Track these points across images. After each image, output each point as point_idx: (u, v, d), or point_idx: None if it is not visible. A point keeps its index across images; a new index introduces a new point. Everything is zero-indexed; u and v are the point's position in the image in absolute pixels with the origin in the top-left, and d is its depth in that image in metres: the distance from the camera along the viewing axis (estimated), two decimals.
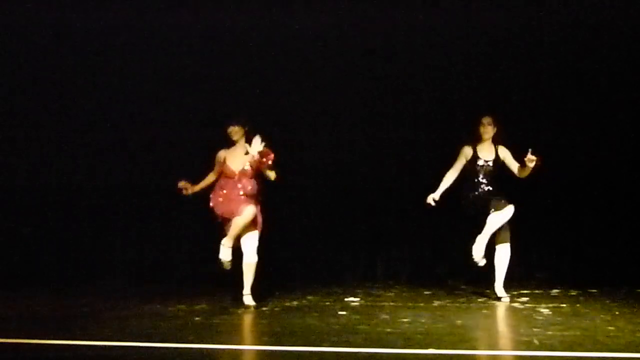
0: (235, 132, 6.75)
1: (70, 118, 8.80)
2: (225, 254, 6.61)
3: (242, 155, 6.73)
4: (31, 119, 8.78)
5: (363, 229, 8.67)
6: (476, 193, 6.86)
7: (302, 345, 5.03)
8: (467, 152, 6.97)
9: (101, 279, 8.37)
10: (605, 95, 8.31)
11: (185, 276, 8.48)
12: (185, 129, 8.67)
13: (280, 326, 5.78)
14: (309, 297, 7.19)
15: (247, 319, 6.15)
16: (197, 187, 6.88)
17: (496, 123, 6.94)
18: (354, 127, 8.67)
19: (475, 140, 6.96)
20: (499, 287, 6.85)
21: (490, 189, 6.87)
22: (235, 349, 5.06)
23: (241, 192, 6.68)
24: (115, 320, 6.01)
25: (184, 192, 6.86)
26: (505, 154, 6.92)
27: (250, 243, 6.70)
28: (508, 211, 6.65)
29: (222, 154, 6.82)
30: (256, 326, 5.82)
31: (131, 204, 8.83)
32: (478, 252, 6.68)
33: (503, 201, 6.68)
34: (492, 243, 6.81)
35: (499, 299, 6.80)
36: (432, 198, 6.90)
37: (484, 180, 6.88)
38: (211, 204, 6.75)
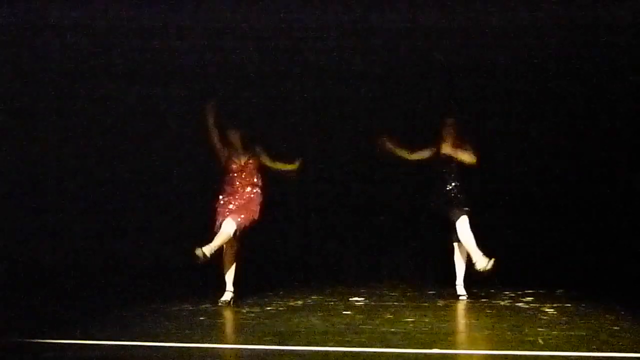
0: (236, 135, 7.07)
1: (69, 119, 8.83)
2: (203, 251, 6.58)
3: (243, 154, 7.04)
4: (31, 119, 8.80)
5: (367, 229, 8.66)
6: (444, 190, 7.11)
7: (306, 345, 5.03)
8: (432, 148, 7.28)
9: (102, 278, 8.36)
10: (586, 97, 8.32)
11: (190, 275, 8.47)
12: (185, 129, 8.70)
13: (285, 326, 5.78)
14: (313, 297, 7.19)
15: (252, 319, 6.15)
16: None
17: (458, 124, 7.23)
18: (357, 124, 8.66)
19: (441, 140, 7.22)
20: (459, 285, 7.05)
21: (457, 184, 7.10)
22: (239, 349, 5.06)
23: (240, 184, 6.91)
24: (116, 320, 6.01)
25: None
26: (465, 148, 7.14)
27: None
28: (464, 222, 6.93)
29: (227, 149, 7.09)
30: (260, 326, 5.81)
31: (134, 203, 8.83)
32: (480, 261, 6.75)
33: (457, 210, 6.95)
34: (451, 241, 7.09)
35: (457, 297, 6.92)
36: (387, 142, 7.22)
37: (449, 175, 7.13)
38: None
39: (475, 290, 7.17)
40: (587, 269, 7.94)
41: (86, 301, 7.07)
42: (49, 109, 8.84)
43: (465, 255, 7.05)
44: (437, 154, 7.24)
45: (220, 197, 6.98)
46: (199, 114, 7.02)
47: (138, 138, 8.85)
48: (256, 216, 6.92)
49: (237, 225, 6.72)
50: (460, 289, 7.04)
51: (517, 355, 4.74)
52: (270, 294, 7.31)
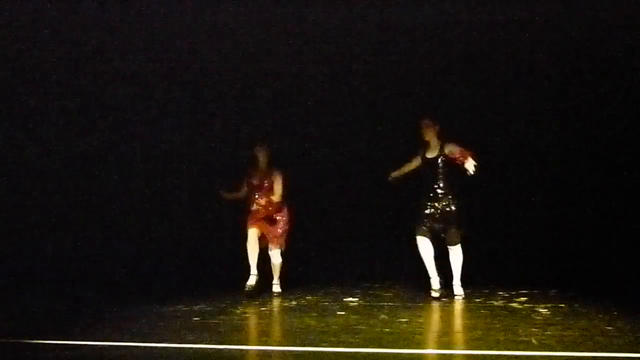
0: (263, 154, 7.52)
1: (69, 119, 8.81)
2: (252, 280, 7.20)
3: (264, 172, 7.49)
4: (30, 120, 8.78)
5: (362, 229, 8.66)
6: (430, 195, 7.06)
7: (300, 345, 5.03)
8: (419, 153, 7.26)
9: (101, 279, 8.35)
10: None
11: (184, 276, 8.47)
12: (185, 133, 8.71)
13: (279, 326, 5.78)
14: (308, 297, 7.19)
15: (246, 319, 6.15)
16: (230, 196, 7.71)
17: (435, 122, 7.15)
18: (354, 126, 8.65)
19: (424, 144, 7.21)
20: (456, 285, 7.08)
21: (441, 186, 7.03)
22: (234, 349, 5.05)
23: (259, 201, 7.36)
24: (115, 321, 6.01)
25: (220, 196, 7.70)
26: (451, 149, 7.01)
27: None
28: (457, 251, 7.06)
29: (250, 171, 7.61)
30: (255, 326, 5.82)
31: (132, 204, 8.81)
32: (435, 282, 6.98)
33: (454, 230, 7.00)
34: (443, 244, 7.12)
35: (454, 296, 6.99)
36: (392, 175, 7.33)
37: (436, 179, 7.06)
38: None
39: (469, 291, 7.19)
40: (580, 269, 7.96)
41: (85, 301, 7.06)
42: (48, 109, 8.80)
43: (460, 257, 7.07)
44: (423, 158, 7.21)
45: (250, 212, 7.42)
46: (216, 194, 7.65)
47: (138, 138, 8.82)
48: (284, 230, 7.50)
49: (280, 249, 7.50)
50: (458, 288, 7.07)
51: (511, 355, 4.75)
52: (265, 294, 7.31)
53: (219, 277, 8.17)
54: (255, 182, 7.51)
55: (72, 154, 8.83)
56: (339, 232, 8.67)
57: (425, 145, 7.23)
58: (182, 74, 8.74)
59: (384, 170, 7.44)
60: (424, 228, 7.03)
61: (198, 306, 6.66)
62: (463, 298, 6.94)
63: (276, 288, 7.55)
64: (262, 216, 7.36)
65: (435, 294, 6.94)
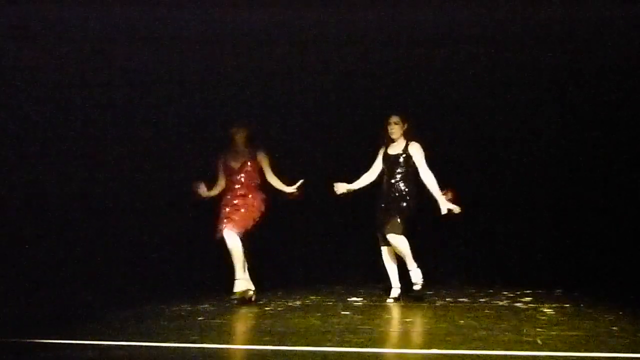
0: (241, 134, 7.02)
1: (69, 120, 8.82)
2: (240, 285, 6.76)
3: (242, 154, 7.00)
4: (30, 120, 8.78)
5: (365, 228, 8.64)
6: (386, 189, 6.88)
7: (304, 345, 5.03)
8: (380, 152, 7.05)
9: (102, 278, 8.34)
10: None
11: (187, 276, 8.47)
12: (186, 131, 8.70)
13: (283, 326, 5.77)
14: (312, 297, 7.19)
15: (250, 319, 6.15)
16: (211, 193, 7.08)
17: (404, 121, 6.95)
18: (355, 124, 8.64)
19: (387, 140, 7.01)
20: (412, 270, 6.79)
21: (401, 185, 6.84)
22: (238, 349, 5.05)
23: (238, 186, 6.89)
24: (115, 320, 6.01)
25: (198, 194, 7.05)
26: (415, 152, 6.87)
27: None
28: (401, 241, 6.73)
29: (221, 157, 7.10)
30: (259, 326, 5.81)
31: (133, 204, 8.81)
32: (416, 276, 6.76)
33: (399, 221, 6.72)
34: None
35: (412, 284, 6.78)
36: (344, 187, 7.06)
37: (394, 176, 6.87)
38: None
39: (473, 291, 7.18)
40: (585, 269, 7.94)
41: (86, 301, 7.06)
42: (49, 108, 8.82)
43: (404, 244, 6.78)
44: (384, 154, 7.00)
45: (222, 201, 6.97)
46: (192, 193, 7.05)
47: (138, 138, 8.82)
48: (256, 218, 6.90)
49: (239, 233, 6.76)
50: (414, 273, 6.80)
51: (515, 355, 4.74)
52: (269, 294, 7.30)
53: (223, 276, 8.17)
54: (234, 165, 7.01)
55: (73, 153, 8.82)
56: (342, 231, 8.66)
57: (387, 142, 7.01)
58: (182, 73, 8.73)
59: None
60: (383, 237, 6.88)
61: (202, 306, 6.66)
62: (470, 298, 6.90)
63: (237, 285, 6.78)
64: (234, 203, 6.91)
65: (390, 301, 6.84)
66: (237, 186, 6.97)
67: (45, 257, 8.58)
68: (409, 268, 6.80)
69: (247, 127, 7.07)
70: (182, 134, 8.76)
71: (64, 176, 8.83)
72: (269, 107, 8.73)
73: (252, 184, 6.99)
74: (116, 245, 8.75)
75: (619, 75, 8.20)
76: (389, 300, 6.88)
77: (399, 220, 6.75)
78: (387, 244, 6.86)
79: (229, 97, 8.59)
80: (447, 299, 6.96)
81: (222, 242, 6.82)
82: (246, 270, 6.83)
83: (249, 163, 6.99)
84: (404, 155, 6.89)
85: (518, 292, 7.17)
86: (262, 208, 6.99)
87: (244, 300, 6.74)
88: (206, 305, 6.67)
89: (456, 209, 6.70)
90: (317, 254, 8.64)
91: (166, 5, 8.24)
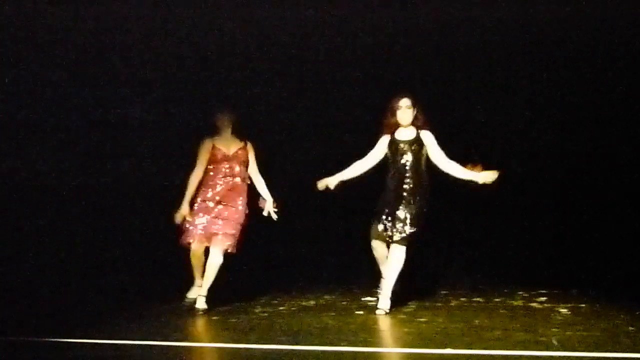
0: (226, 122, 6.48)
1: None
2: (201, 302, 6.30)
3: (232, 142, 6.48)
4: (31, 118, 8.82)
5: None
6: (394, 183, 6.16)
7: (319, 345, 5.02)
8: (385, 140, 6.28)
9: (103, 278, 8.36)
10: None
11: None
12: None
13: (297, 325, 5.77)
14: (326, 297, 7.18)
15: (264, 319, 6.15)
16: (189, 197, 6.41)
17: (416, 103, 6.22)
18: (361, 123, 8.61)
19: (393, 126, 6.26)
20: (382, 294, 6.14)
21: (412, 179, 6.15)
22: (252, 348, 5.05)
23: (228, 177, 6.37)
24: (116, 320, 6.02)
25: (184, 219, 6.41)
26: (428, 141, 6.19)
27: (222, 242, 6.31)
28: (402, 256, 6.07)
29: (208, 141, 6.48)
30: (273, 325, 5.81)
31: (134, 202, 8.82)
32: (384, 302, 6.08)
33: (407, 227, 6.07)
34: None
35: (376, 308, 6.13)
36: (324, 182, 6.32)
37: (403, 169, 6.16)
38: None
39: (488, 290, 7.14)
40: (601, 268, 7.89)
41: (86, 301, 7.07)
42: (48, 108, 8.85)
43: (401, 260, 6.18)
44: (391, 142, 6.24)
45: (200, 194, 6.36)
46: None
47: (138, 138, 8.83)
48: (241, 223, 6.36)
49: (226, 250, 6.27)
50: (383, 299, 6.19)
51: (530, 355, 4.71)
52: (283, 293, 7.31)
53: (237, 275, 8.18)
54: (225, 151, 6.38)
55: (72, 152, 8.84)
56: (357, 231, 8.65)
57: (393, 129, 6.27)
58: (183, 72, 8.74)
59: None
60: (379, 231, 6.19)
61: (216, 305, 6.67)
62: (484, 298, 6.87)
63: (200, 302, 6.26)
64: (216, 203, 6.30)
65: (380, 312, 6.10)
66: (226, 178, 6.40)
67: (45, 258, 8.61)
68: (383, 288, 6.15)
69: (236, 114, 6.54)
70: (185, 133, 8.75)
71: (63, 174, 8.85)
72: (269, 103, 8.71)
73: (244, 177, 6.47)
74: (118, 245, 8.77)
75: (619, 75, 8.15)
76: (379, 312, 6.11)
77: (408, 226, 6.12)
78: (384, 242, 6.23)
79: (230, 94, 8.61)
80: (461, 299, 6.93)
81: (193, 249, 6.35)
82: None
83: (240, 152, 6.46)
84: (415, 144, 6.20)
85: (533, 292, 7.13)
86: (245, 212, 6.45)
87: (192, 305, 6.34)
88: (220, 305, 6.67)
89: (490, 176, 6.02)
90: (331, 253, 8.64)
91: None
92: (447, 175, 6.22)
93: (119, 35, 8.54)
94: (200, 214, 6.37)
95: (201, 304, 6.27)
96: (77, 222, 8.79)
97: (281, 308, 6.60)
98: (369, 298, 7.06)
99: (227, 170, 6.43)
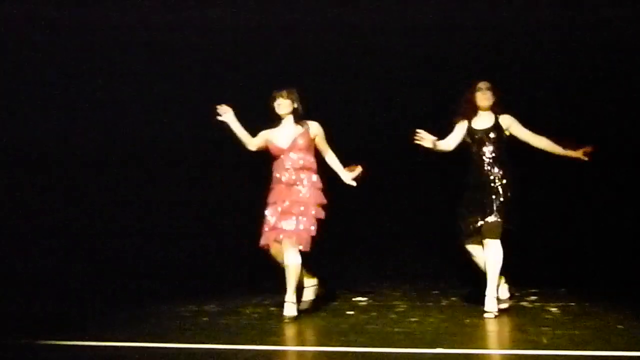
0: (284, 105, 5.88)
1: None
2: (290, 309, 5.93)
3: (290, 133, 5.88)
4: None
5: (370, 228, 8.64)
6: (476, 175, 5.87)
7: (310, 345, 5.03)
8: (462, 125, 5.99)
9: (103, 279, 8.35)
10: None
11: (193, 276, 8.47)
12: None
13: (288, 326, 5.77)
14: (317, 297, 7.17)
15: (255, 320, 6.15)
16: (237, 125, 5.85)
17: (495, 90, 5.96)
18: (359, 122, 8.63)
19: (470, 112, 5.97)
20: (488, 295, 5.93)
21: (495, 168, 5.88)
22: (243, 349, 5.05)
23: (290, 168, 5.84)
24: (117, 321, 6.01)
25: (220, 115, 5.90)
26: (510, 123, 5.93)
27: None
28: (499, 250, 5.83)
29: (264, 132, 5.99)
30: (264, 326, 5.81)
31: (136, 200, 8.82)
32: (491, 304, 5.88)
33: (494, 220, 5.78)
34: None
35: (483, 312, 5.93)
36: (430, 138, 5.81)
37: (485, 158, 5.88)
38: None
39: (478, 290, 7.15)
40: (591, 267, 7.92)
41: (87, 301, 7.06)
42: (48, 108, 8.83)
43: (499, 254, 5.91)
44: (470, 131, 5.91)
45: (269, 196, 5.97)
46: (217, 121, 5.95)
47: (138, 138, 8.83)
48: (319, 216, 5.98)
49: (304, 247, 5.91)
50: (489, 301, 5.98)
51: (520, 354, 4.73)
52: (274, 294, 7.29)
53: (229, 276, 8.18)
54: (282, 144, 5.80)
55: (72, 152, 8.83)
56: (347, 231, 8.65)
57: (470, 115, 5.94)
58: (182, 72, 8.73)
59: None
60: (471, 231, 5.92)
61: (208, 306, 6.66)
62: (476, 298, 6.88)
63: (289, 308, 5.87)
64: (283, 200, 5.82)
65: (489, 315, 5.84)
66: (284, 175, 5.91)
67: (45, 257, 8.60)
68: (489, 286, 5.88)
69: (294, 92, 5.85)
70: (187, 131, 8.75)
71: (63, 174, 8.83)
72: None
73: (306, 168, 5.91)
74: (119, 244, 8.76)
75: (619, 74, 8.19)
76: (489, 315, 5.80)
77: (498, 217, 5.82)
78: (479, 243, 5.96)
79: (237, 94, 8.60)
80: (452, 298, 6.95)
81: (271, 253, 6.06)
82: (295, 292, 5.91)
83: (300, 141, 5.86)
84: (492, 132, 5.89)
85: (523, 291, 7.15)
86: (323, 202, 5.98)
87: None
88: (212, 306, 6.68)
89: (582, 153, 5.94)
90: (322, 254, 8.63)
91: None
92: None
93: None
94: (270, 216, 6.00)
95: (290, 311, 5.85)
96: (77, 222, 8.78)
97: (272, 309, 6.60)
98: (359, 298, 7.06)
99: (286, 168, 5.87)
